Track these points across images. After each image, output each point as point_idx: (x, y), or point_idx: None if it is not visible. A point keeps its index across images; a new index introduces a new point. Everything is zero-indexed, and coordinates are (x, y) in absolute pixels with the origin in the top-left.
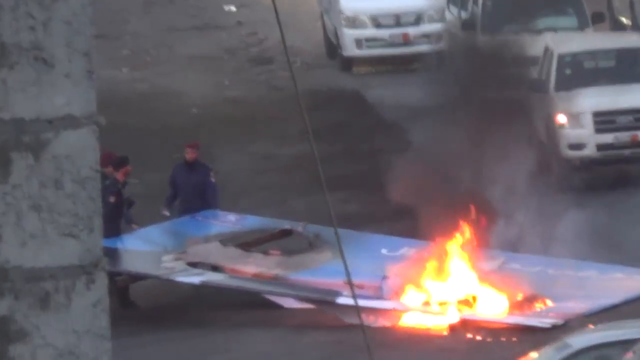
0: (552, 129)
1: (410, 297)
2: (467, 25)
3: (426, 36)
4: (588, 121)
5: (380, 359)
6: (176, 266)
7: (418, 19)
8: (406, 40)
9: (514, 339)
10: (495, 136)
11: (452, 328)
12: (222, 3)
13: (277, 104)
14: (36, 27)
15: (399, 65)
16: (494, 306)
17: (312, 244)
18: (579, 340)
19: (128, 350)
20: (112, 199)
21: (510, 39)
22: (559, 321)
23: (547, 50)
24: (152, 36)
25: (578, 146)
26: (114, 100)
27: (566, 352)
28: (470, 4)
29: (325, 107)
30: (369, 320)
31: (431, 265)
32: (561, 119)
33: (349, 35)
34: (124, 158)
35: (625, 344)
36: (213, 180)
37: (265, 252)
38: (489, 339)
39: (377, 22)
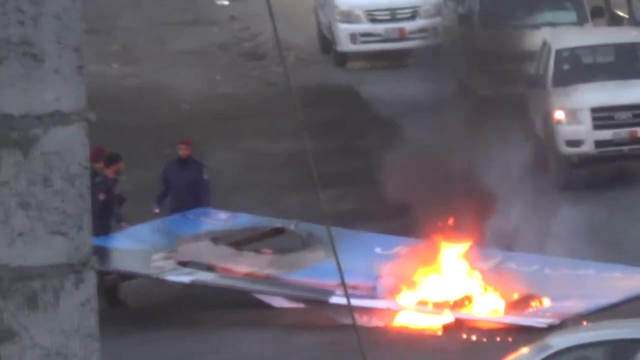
0: (549, 126)
1: (405, 296)
2: (465, 20)
3: (422, 31)
4: (586, 117)
5: None
6: (166, 265)
7: (414, 14)
8: (402, 36)
9: (510, 339)
10: (492, 133)
11: (447, 328)
12: None
13: (270, 99)
14: (26, 21)
15: (394, 61)
16: (490, 306)
17: (305, 243)
18: (559, 341)
19: (117, 350)
20: (101, 197)
21: (508, 34)
22: (556, 321)
23: (544, 45)
24: (143, 31)
25: (576, 143)
26: (104, 96)
27: (546, 353)
28: None
29: (319, 103)
30: (363, 320)
31: (426, 264)
32: (559, 115)
33: (343, 30)
34: (116, 155)
35: (605, 345)
36: (206, 177)
37: (257, 251)
38: (484, 339)
39: (372, 17)
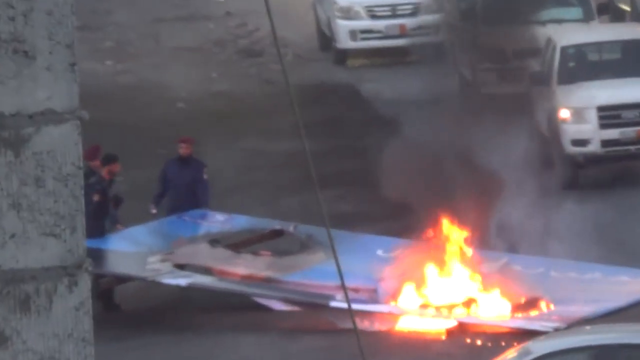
0: (554, 124)
1: (407, 300)
2: (467, 16)
3: (424, 27)
4: (592, 116)
5: None
6: (162, 268)
7: (415, 10)
8: (403, 32)
9: (515, 343)
10: (495, 132)
11: (451, 332)
12: None
13: (268, 98)
14: (16, 17)
15: (395, 58)
16: (495, 309)
17: (304, 245)
18: (540, 346)
19: (112, 355)
20: (96, 198)
21: (512, 30)
22: (562, 325)
23: (549, 42)
24: (137, 27)
25: (582, 142)
26: (97, 94)
27: (527, 358)
28: None
29: (318, 102)
30: (364, 324)
31: (429, 267)
32: (564, 113)
33: (343, 26)
34: (113, 156)
35: (588, 350)
36: (205, 177)
37: (256, 253)
38: (489, 344)
39: (372, 13)
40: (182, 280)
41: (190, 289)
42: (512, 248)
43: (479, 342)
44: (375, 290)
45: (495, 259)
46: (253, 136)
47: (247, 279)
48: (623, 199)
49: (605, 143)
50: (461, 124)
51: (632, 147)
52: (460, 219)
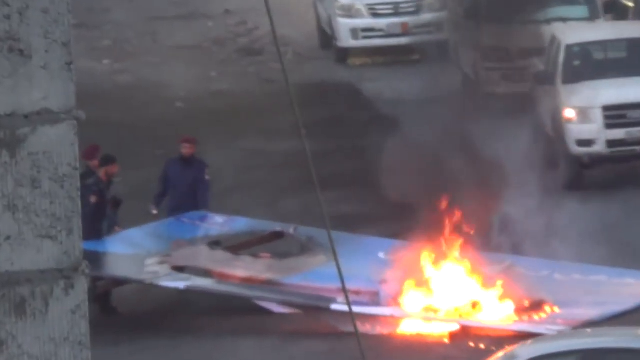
0: (559, 124)
1: (409, 303)
2: (471, 14)
3: (426, 26)
4: (598, 116)
5: None
6: (160, 270)
7: (418, 8)
8: (405, 31)
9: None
10: (499, 132)
11: (454, 336)
12: None
13: (268, 97)
14: (11, 15)
15: (397, 57)
16: (498, 312)
17: (304, 247)
18: (526, 351)
19: (109, 359)
20: (93, 199)
21: (516, 29)
22: (567, 328)
23: (554, 40)
24: (135, 25)
25: (587, 142)
26: (94, 93)
27: None
28: None
29: (319, 101)
30: (366, 328)
31: (431, 269)
32: (569, 113)
33: (344, 25)
34: (110, 157)
35: (574, 355)
36: (207, 178)
37: (255, 256)
38: (492, 348)
39: (374, 11)
40: (180, 283)
41: (188, 291)
42: (516, 249)
43: (482, 346)
44: (377, 293)
45: (499, 261)
46: (253, 136)
47: (247, 282)
48: (629, 200)
49: (611, 143)
50: (464, 124)
51: (638, 148)
52: (463, 220)
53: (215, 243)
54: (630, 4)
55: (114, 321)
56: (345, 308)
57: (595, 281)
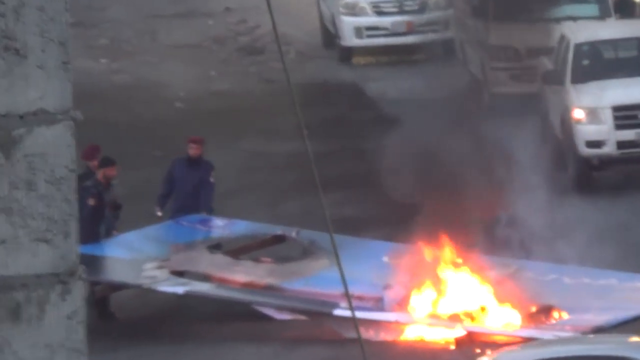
0: (568, 125)
1: (414, 308)
2: (478, 12)
3: (432, 24)
4: (607, 116)
5: None
6: (159, 275)
7: (423, 6)
8: (410, 29)
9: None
10: (507, 132)
11: (460, 342)
12: None
13: (269, 97)
14: (7, 13)
15: (401, 56)
16: (505, 318)
17: (306, 251)
18: (509, 357)
19: None
20: (91, 202)
21: (525, 28)
22: (576, 334)
23: (563, 39)
24: (133, 24)
25: (597, 143)
26: (91, 93)
27: None
28: None
29: (322, 101)
30: (369, 334)
31: (437, 273)
32: (578, 114)
33: (348, 23)
34: (109, 160)
35: None
36: (212, 180)
37: (256, 260)
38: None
39: (378, 9)
40: (179, 287)
41: (188, 296)
42: (525, 251)
43: (489, 352)
44: (380, 298)
45: (506, 265)
46: (253, 137)
47: (248, 287)
48: (638, 202)
49: (621, 144)
50: (471, 125)
51: None
52: (469, 223)
53: (215, 247)
54: (638, 0)
55: (111, 327)
56: (348, 313)
57: (604, 285)
